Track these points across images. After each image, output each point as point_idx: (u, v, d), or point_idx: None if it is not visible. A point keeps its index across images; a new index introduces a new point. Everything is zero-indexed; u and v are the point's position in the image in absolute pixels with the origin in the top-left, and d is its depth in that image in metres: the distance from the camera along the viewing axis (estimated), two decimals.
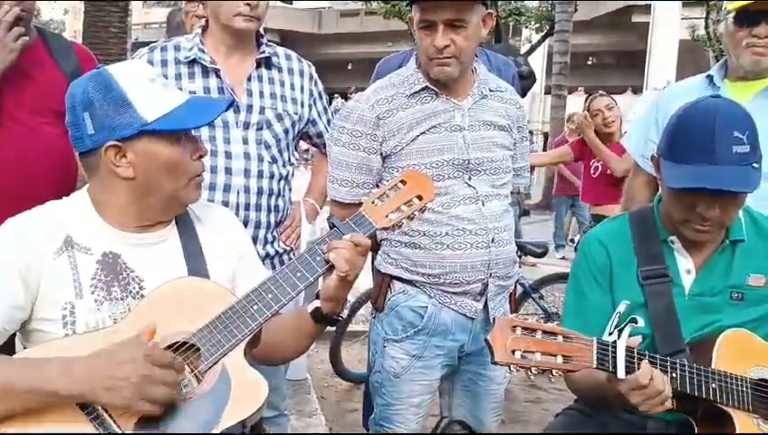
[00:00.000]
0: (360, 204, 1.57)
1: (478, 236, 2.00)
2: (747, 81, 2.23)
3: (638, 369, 1.46)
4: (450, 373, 2.17)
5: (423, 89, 2.02)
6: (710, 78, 2.30)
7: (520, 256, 4.39)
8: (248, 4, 2.07)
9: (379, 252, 2.12)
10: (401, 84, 2.05)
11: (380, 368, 2.12)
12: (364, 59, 28.66)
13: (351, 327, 4.31)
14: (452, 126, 2.01)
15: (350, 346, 4.40)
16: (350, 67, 32.46)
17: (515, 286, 3.56)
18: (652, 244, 1.76)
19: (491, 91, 2.10)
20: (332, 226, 1.52)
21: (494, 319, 1.44)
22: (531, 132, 20.75)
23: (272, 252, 2.22)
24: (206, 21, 2.21)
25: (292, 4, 31.86)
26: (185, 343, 1.38)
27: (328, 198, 2.24)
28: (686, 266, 1.75)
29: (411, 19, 1.98)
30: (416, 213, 1.57)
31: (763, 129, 1.98)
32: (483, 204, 2.02)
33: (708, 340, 1.66)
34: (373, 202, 1.55)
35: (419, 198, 1.57)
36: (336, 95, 16.01)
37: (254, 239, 2.13)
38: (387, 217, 1.54)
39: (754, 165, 1.61)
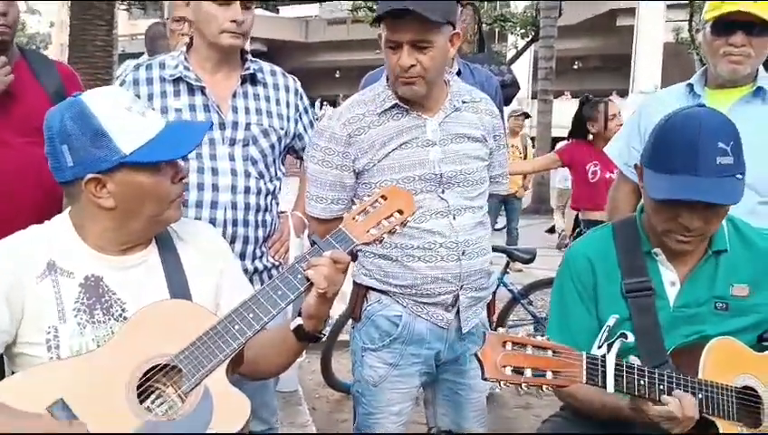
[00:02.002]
0: (338, 219, 1.56)
1: (449, 249, 2.02)
2: (726, 88, 2.26)
3: (666, 396, 1.51)
4: (430, 381, 2.18)
5: (393, 106, 2.03)
6: (690, 86, 2.32)
7: (508, 263, 4.42)
8: (234, 21, 2.07)
9: (356, 263, 2.13)
10: (372, 102, 2.06)
11: (360, 377, 2.14)
12: (352, 67, 28.71)
13: (342, 337, 4.29)
14: (423, 141, 2.03)
15: (340, 356, 4.39)
16: (337, 75, 32.54)
17: (494, 295, 3.55)
18: (635, 256, 1.76)
19: (464, 103, 2.11)
20: (313, 243, 1.52)
21: (484, 334, 1.45)
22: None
23: (260, 267, 2.22)
24: (191, 38, 2.21)
25: (278, 13, 31.87)
26: (167, 364, 1.39)
27: None
28: (670, 278, 1.75)
29: (380, 36, 1.98)
30: (397, 228, 1.57)
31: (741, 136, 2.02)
32: (453, 217, 2.03)
33: (694, 348, 1.67)
34: (354, 218, 1.55)
35: (400, 212, 1.58)
36: (325, 102, 16.03)
37: (243, 255, 2.14)
38: (368, 232, 1.54)
39: (738, 176, 1.61)
